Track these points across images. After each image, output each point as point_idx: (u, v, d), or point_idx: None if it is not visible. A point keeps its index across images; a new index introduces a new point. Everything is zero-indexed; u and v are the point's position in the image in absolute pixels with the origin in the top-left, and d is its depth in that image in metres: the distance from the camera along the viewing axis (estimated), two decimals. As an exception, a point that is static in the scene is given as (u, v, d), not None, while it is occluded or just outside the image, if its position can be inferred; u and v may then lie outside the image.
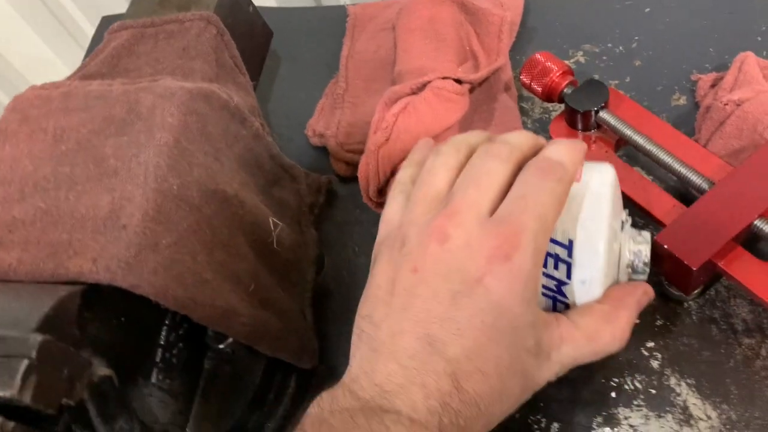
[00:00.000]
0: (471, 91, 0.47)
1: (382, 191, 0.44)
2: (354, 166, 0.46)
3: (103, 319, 0.31)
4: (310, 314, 0.41)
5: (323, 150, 0.51)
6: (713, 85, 0.43)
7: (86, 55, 0.60)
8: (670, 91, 0.46)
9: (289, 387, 0.40)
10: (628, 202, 0.37)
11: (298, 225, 0.44)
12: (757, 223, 0.34)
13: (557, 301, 0.32)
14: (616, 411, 0.36)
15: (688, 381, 0.36)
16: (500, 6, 0.52)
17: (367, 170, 0.43)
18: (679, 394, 0.35)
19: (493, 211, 0.29)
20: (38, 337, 0.25)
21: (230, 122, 0.38)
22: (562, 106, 0.43)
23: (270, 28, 0.53)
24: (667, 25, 0.49)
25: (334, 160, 0.50)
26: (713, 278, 0.37)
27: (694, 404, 0.35)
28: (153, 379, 0.35)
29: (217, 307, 0.33)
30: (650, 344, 0.37)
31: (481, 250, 0.28)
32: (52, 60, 0.98)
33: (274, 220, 0.39)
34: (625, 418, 0.35)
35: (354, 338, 0.30)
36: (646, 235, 0.33)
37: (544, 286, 0.32)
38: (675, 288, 0.37)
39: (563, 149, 0.30)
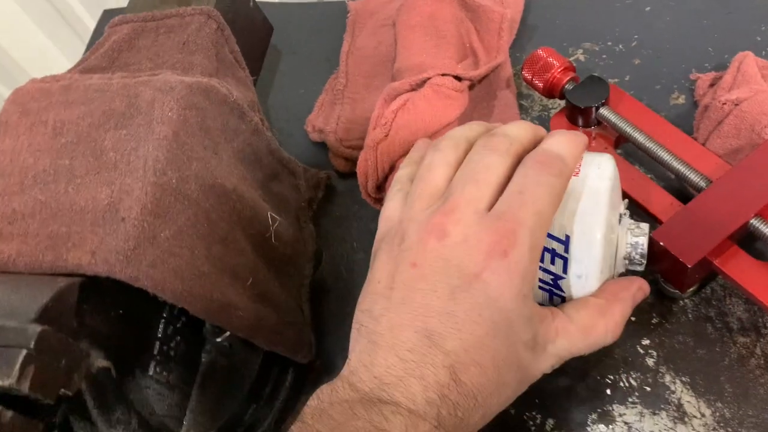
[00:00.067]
0: (470, 88, 0.47)
1: (381, 187, 0.44)
2: (353, 161, 0.47)
3: (101, 311, 0.31)
4: (307, 309, 0.42)
5: (322, 145, 0.51)
6: (712, 85, 0.43)
7: (87, 49, 0.60)
8: (669, 89, 0.46)
9: (286, 381, 0.40)
10: (627, 199, 0.37)
11: (296, 220, 0.44)
12: (753, 222, 0.34)
13: (553, 294, 0.32)
14: (610, 408, 0.36)
15: (683, 379, 0.36)
16: (501, 3, 0.52)
17: (365, 166, 0.43)
18: (673, 392, 0.36)
19: (492, 204, 0.29)
20: (37, 328, 0.25)
21: (229, 117, 0.38)
22: (561, 103, 0.43)
23: (270, 23, 0.53)
24: (667, 24, 0.49)
25: (333, 156, 0.50)
26: (709, 276, 0.37)
27: (688, 402, 0.35)
28: (150, 372, 0.35)
29: (214, 300, 0.33)
30: (646, 342, 0.37)
31: (479, 246, 0.28)
32: (54, 53, 0.98)
33: (273, 214, 0.39)
34: (620, 415, 0.36)
35: (353, 332, 0.30)
36: (645, 226, 0.33)
37: (540, 280, 0.32)
38: (671, 285, 0.37)
39: (563, 142, 0.31)
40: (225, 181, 0.36)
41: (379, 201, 0.45)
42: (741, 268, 0.34)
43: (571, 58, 0.50)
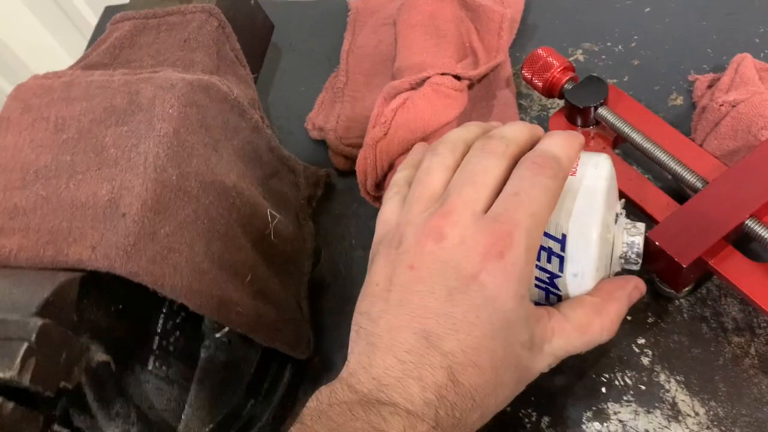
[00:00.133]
0: (470, 87, 0.48)
1: (380, 185, 0.45)
2: (352, 160, 0.47)
3: (101, 306, 0.31)
4: (306, 306, 0.42)
5: (322, 143, 0.51)
6: (710, 86, 0.43)
7: (89, 45, 0.60)
8: (668, 91, 0.46)
9: (284, 377, 0.40)
10: (624, 199, 0.37)
11: (295, 217, 0.44)
12: (748, 222, 0.34)
13: (550, 293, 0.33)
14: (605, 406, 0.36)
15: (678, 378, 0.36)
16: (501, 3, 0.52)
17: (365, 164, 0.44)
18: (668, 391, 0.36)
19: (489, 206, 0.29)
20: (38, 321, 0.25)
21: (230, 114, 0.38)
22: (561, 103, 0.44)
23: (271, 21, 0.53)
24: (666, 26, 0.49)
25: (333, 154, 0.50)
26: (704, 276, 0.37)
27: (682, 400, 0.35)
28: (150, 366, 0.35)
29: (213, 296, 0.33)
30: (641, 341, 0.38)
31: (475, 248, 0.28)
32: (56, 49, 0.98)
33: (272, 212, 0.39)
34: (615, 413, 0.36)
35: (352, 334, 0.30)
36: (641, 226, 0.34)
37: (537, 279, 0.32)
38: (666, 285, 0.37)
39: (559, 143, 0.31)
40: (225, 178, 0.36)
41: (378, 199, 0.45)
42: (736, 269, 0.34)
43: (571, 58, 0.50)
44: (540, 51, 0.43)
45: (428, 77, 0.45)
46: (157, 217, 0.31)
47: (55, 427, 0.28)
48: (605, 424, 0.36)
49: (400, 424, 0.26)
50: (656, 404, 0.36)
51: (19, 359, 0.24)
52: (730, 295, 0.37)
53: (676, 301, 0.38)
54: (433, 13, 0.50)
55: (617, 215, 0.34)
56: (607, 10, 0.52)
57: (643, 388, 0.36)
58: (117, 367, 0.31)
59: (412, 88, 0.45)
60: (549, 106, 0.48)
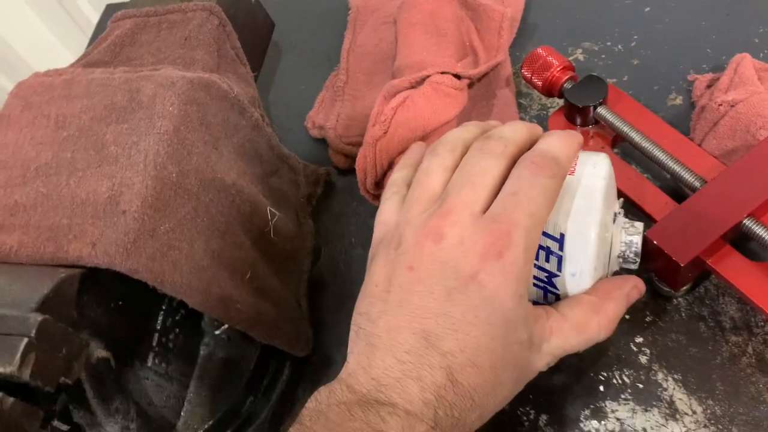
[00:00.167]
0: (470, 86, 0.48)
1: (379, 184, 0.45)
2: (352, 158, 0.47)
3: (101, 303, 0.31)
4: (305, 303, 0.42)
5: (322, 142, 0.51)
6: (709, 86, 0.43)
7: (90, 43, 0.60)
8: (667, 90, 0.46)
9: (283, 374, 0.40)
10: (623, 198, 0.37)
11: (295, 215, 0.44)
12: (746, 222, 0.34)
13: (548, 292, 0.33)
14: (603, 404, 0.36)
15: (675, 376, 0.36)
16: (501, 2, 0.52)
17: (364, 163, 0.44)
18: (665, 389, 0.36)
19: (488, 206, 0.30)
20: (38, 317, 0.25)
21: (230, 112, 0.38)
22: (560, 102, 0.44)
23: (272, 19, 0.53)
24: (666, 25, 0.49)
25: (333, 152, 0.50)
26: (702, 275, 0.38)
27: (680, 399, 0.36)
28: (149, 363, 0.35)
29: (212, 293, 0.33)
30: (639, 339, 0.38)
31: (474, 248, 0.28)
32: (57, 47, 0.98)
33: (272, 209, 0.40)
34: (612, 411, 0.36)
35: (351, 334, 0.30)
36: (639, 225, 0.34)
37: (535, 278, 0.32)
38: (664, 284, 0.37)
39: (558, 143, 0.31)
40: (225, 175, 0.36)
41: (378, 197, 0.45)
42: (733, 268, 0.34)
43: (571, 58, 0.50)
44: (540, 50, 0.43)
45: (428, 76, 0.45)
46: (157, 215, 0.32)
47: (55, 422, 0.29)
48: (603, 422, 0.36)
49: (398, 425, 0.26)
50: (654, 402, 0.36)
51: (19, 354, 0.24)
52: (728, 294, 0.38)
53: (674, 300, 0.38)
54: (433, 12, 0.50)
55: (615, 214, 0.34)
56: (607, 9, 0.52)
57: (641, 386, 0.36)
58: (117, 364, 0.31)
59: (412, 87, 0.45)
60: (549, 105, 0.48)
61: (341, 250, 0.47)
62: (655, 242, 0.34)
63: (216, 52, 0.41)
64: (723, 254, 0.35)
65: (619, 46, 0.49)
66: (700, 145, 0.40)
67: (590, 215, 0.31)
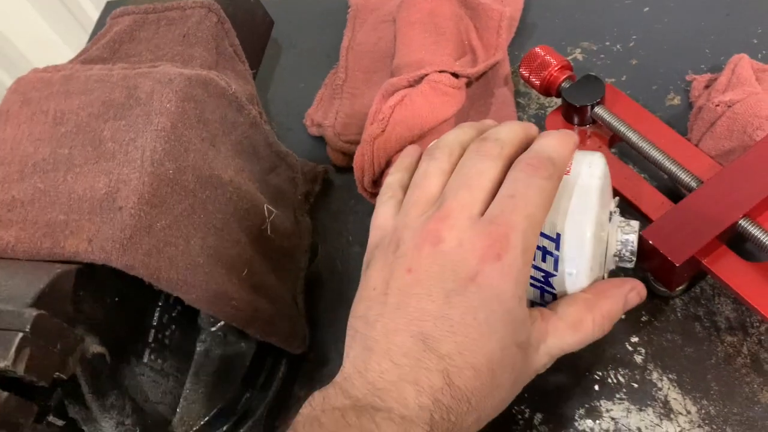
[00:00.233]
0: (468, 85, 0.48)
1: (377, 182, 0.45)
2: (350, 156, 0.47)
3: (97, 298, 0.32)
4: (301, 301, 0.42)
5: (321, 140, 0.51)
6: (707, 86, 0.44)
7: (90, 39, 0.61)
8: (665, 90, 0.46)
9: (280, 371, 0.40)
10: (619, 198, 0.37)
11: (293, 213, 0.44)
12: (742, 222, 0.34)
13: (545, 291, 0.33)
14: (598, 403, 0.36)
15: (670, 376, 0.36)
16: (500, 1, 0.52)
17: (362, 161, 0.44)
18: (660, 389, 0.36)
19: (485, 208, 0.30)
20: (33, 312, 0.25)
21: (228, 109, 0.38)
22: (558, 102, 0.44)
23: (271, 17, 0.54)
24: (665, 25, 0.49)
25: (331, 150, 0.50)
26: (698, 275, 0.38)
27: (674, 399, 0.36)
28: (145, 359, 0.35)
29: (209, 290, 0.33)
30: (634, 339, 0.38)
31: (473, 250, 0.28)
32: (57, 43, 0.98)
33: (269, 207, 0.40)
34: (607, 411, 0.36)
35: (348, 338, 0.30)
36: (635, 224, 0.34)
37: (532, 277, 0.32)
38: (660, 284, 0.37)
39: (554, 143, 0.31)
40: (222, 172, 0.36)
41: (375, 195, 0.45)
42: (728, 268, 0.34)
43: (570, 57, 0.50)
44: (538, 49, 0.43)
45: (426, 74, 0.45)
46: (153, 211, 0.32)
47: (51, 417, 0.29)
48: (598, 421, 0.36)
49: (393, 430, 0.26)
50: (648, 402, 0.36)
51: (14, 349, 0.24)
52: (723, 294, 0.38)
53: (670, 300, 0.38)
54: (432, 11, 0.50)
55: (611, 213, 0.34)
56: (606, 9, 0.52)
57: (636, 386, 0.36)
58: (112, 359, 0.31)
59: (411, 86, 0.45)
60: (547, 104, 0.48)
61: (338, 247, 0.47)
62: (650, 242, 0.34)
63: (214, 50, 0.41)
64: (718, 254, 0.35)
65: (618, 46, 0.49)
66: (697, 146, 0.40)
67: (586, 215, 0.31)
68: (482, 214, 0.29)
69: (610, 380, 0.37)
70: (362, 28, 0.56)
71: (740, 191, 0.35)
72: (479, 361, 0.28)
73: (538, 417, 0.37)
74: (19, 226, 0.32)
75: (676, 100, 0.46)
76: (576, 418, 0.36)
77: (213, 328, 0.39)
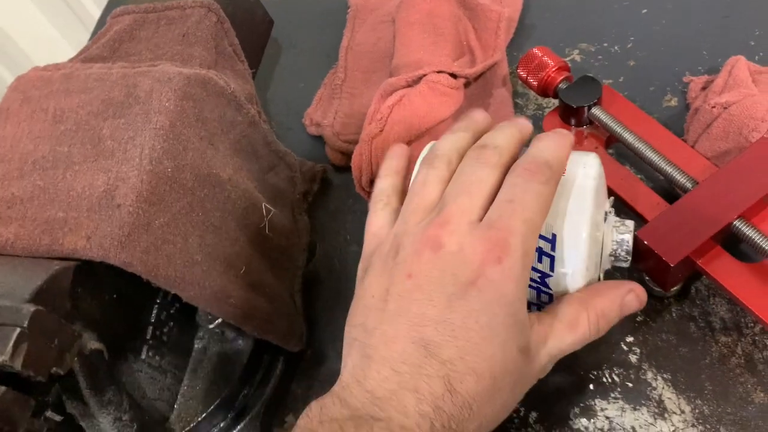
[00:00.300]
0: (466, 85, 0.48)
1: (375, 181, 0.45)
2: (349, 156, 0.47)
3: (95, 295, 0.32)
4: (299, 299, 0.42)
5: (320, 139, 0.51)
6: (704, 88, 0.44)
7: (91, 37, 0.61)
8: (663, 92, 0.46)
9: (277, 368, 0.41)
10: (615, 198, 0.37)
11: (291, 212, 0.44)
12: (736, 223, 0.34)
13: (541, 291, 0.33)
14: (593, 402, 0.37)
15: (665, 376, 0.36)
16: (499, 2, 0.52)
17: (360, 160, 0.44)
18: (655, 388, 0.36)
19: (484, 214, 0.30)
20: (31, 308, 0.26)
21: (226, 108, 0.38)
22: (556, 102, 0.44)
23: (271, 17, 0.54)
24: (662, 27, 0.50)
25: (330, 150, 0.50)
26: (693, 276, 0.38)
27: (669, 398, 0.36)
28: (143, 356, 0.36)
29: (206, 287, 0.34)
30: (629, 339, 0.38)
31: (473, 255, 0.28)
32: (59, 41, 0.99)
33: (267, 205, 0.40)
34: (602, 410, 0.36)
35: (345, 347, 0.30)
36: (630, 224, 0.34)
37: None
38: (655, 284, 0.37)
39: (550, 147, 0.31)
40: (220, 171, 0.37)
41: (373, 195, 0.45)
42: (723, 269, 0.34)
43: (567, 58, 0.50)
44: (535, 50, 0.43)
45: (425, 75, 0.45)
46: (151, 209, 0.32)
47: (48, 413, 0.29)
48: (592, 420, 0.36)
49: None
50: (643, 401, 0.36)
51: (11, 344, 0.24)
52: (718, 294, 0.38)
53: (665, 300, 0.38)
54: (431, 12, 0.50)
55: (606, 213, 0.34)
56: (604, 11, 0.52)
57: (631, 385, 0.37)
58: (110, 356, 0.32)
59: (409, 86, 0.46)
60: (545, 105, 0.49)
61: (336, 246, 0.47)
62: (645, 242, 0.34)
63: (213, 49, 0.41)
64: (713, 255, 0.35)
65: (616, 47, 0.50)
66: (693, 147, 0.40)
67: (581, 215, 0.31)
68: (481, 219, 0.30)
69: (605, 379, 0.37)
70: (361, 29, 0.56)
71: (735, 192, 0.35)
72: (481, 366, 0.28)
73: (533, 415, 0.37)
74: (18, 222, 0.32)
75: (673, 102, 0.46)
76: (571, 416, 0.36)
77: (211, 326, 0.39)
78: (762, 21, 0.47)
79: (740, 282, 0.34)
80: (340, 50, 0.55)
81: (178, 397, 0.37)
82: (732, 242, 0.36)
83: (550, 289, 0.33)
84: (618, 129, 0.40)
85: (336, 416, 0.27)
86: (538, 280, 0.33)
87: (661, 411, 0.36)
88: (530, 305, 0.34)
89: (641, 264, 0.36)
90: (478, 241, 0.29)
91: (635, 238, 0.34)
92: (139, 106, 0.35)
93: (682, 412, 0.35)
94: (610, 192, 0.37)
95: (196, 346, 0.39)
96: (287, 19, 0.58)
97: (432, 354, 0.27)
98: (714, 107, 0.39)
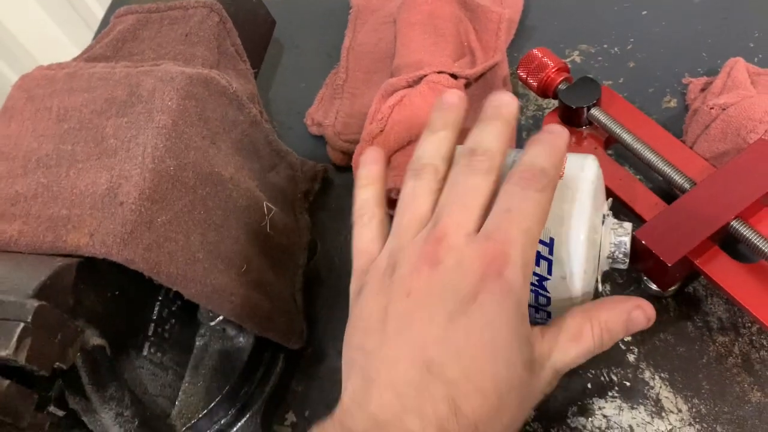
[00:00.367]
0: (467, 86, 0.48)
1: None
2: (350, 155, 0.48)
3: (97, 292, 0.32)
4: (300, 297, 0.43)
5: (321, 139, 0.52)
6: (703, 89, 0.44)
7: (95, 37, 0.61)
8: (662, 93, 0.47)
9: (277, 366, 0.41)
10: (614, 198, 0.37)
11: (292, 211, 0.45)
12: (734, 223, 0.35)
13: (539, 294, 0.33)
14: (591, 401, 0.37)
15: (662, 375, 0.37)
16: (500, 4, 0.53)
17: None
18: (652, 387, 0.36)
19: (481, 224, 0.29)
20: (34, 303, 0.26)
21: (228, 108, 0.39)
22: (555, 103, 0.44)
23: (273, 17, 0.54)
24: (662, 28, 0.50)
25: (331, 149, 0.51)
26: (691, 276, 0.38)
27: (666, 397, 0.36)
28: (145, 352, 0.36)
29: (207, 284, 0.34)
30: (627, 338, 0.38)
31: (473, 269, 0.28)
32: (63, 41, 0.99)
33: (268, 204, 0.40)
34: (599, 409, 0.37)
35: (344, 370, 0.29)
36: (628, 226, 0.34)
37: None
38: (653, 284, 0.38)
39: (545, 153, 0.30)
40: (222, 170, 0.37)
41: (374, 194, 0.46)
42: (720, 269, 0.35)
43: (568, 60, 0.50)
44: (535, 51, 0.44)
45: (425, 75, 0.45)
46: (154, 207, 0.32)
47: (51, 408, 0.29)
48: (590, 419, 0.36)
49: None
50: (640, 400, 0.36)
51: (15, 338, 0.25)
52: (716, 295, 0.38)
53: (663, 300, 0.39)
54: (432, 13, 0.50)
55: (604, 216, 0.34)
56: (604, 12, 0.52)
57: (628, 384, 0.37)
58: (112, 352, 0.32)
59: (410, 86, 0.46)
60: (545, 105, 0.49)
61: (337, 245, 0.47)
62: (643, 242, 0.34)
63: (216, 49, 0.42)
64: (711, 255, 0.35)
65: (616, 49, 0.50)
66: (692, 148, 0.41)
67: (579, 219, 0.31)
68: (478, 230, 0.29)
69: (602, 378, 0.37)
70: (363, 29, 0.56)
71: (733, 193, 0.35)
72: (486, 385, 0.27)
73: (531, 414, 0.37)
74: (22, 220, 0.32)
75: (673, 103, 0.46)
76: (569, 415, 0.37)
77: (212, 323, 0.39)
78: (761, 23, 0.48)
79: (737, 282, 0.34)
80: (342, 50, 0.55)
81: (180, 393, 0.38)
82: (729, 242, 0.36)
83: (548, 292, 0.33)
84: (617, 130, 0.40)
85: None
86: (536, 283, 0.32)
87: (658, 410, 0.36)
88: (528, 307, 0.34)
89: (639, 264, 0.36)
90: (477, 254, 0.28)
91: (633, 238, 0.34)
92: (141, 105, 0.35)
93: (680, 411, 0.35)
94: (609, 192, 0.38)
95: (197, 343, 0.40)
96: (289, 20, 0.58)
97: (435, 375, 0.26)
98: (712, 108, 0.39)
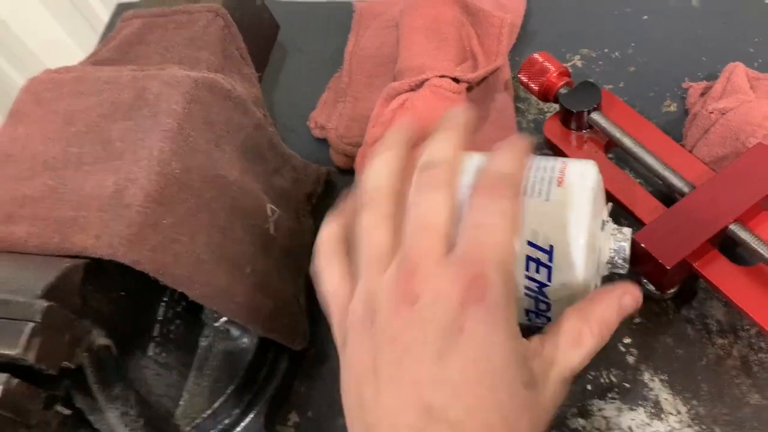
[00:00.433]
0: (469, 90, 0.49)
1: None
2: (353, 158, 0.48)
3: (104, 292, 0.33)
4: (303, 299, 0.43)
5: (324, 142, 0.52)
6: (703, 94, 0.44)
7: (100, 41, 0.62)
8: (662, 97, 0.47)
9: (280, 366, 0.41)
10: (614, 202, 0.38)
11: (295, 213, 0.45)
12: (732, 227, 0.35)
13: (539, 301, 0.33)
14: (590, 403, 0.37)
15: (661, 377, 0.37)
16: (501, 8, 0.53)
17: (363, 163, 0.45)
18: (651, 389, 0.37)
19: (449, 241, 0.28)
20: (43, 303, 0.26)
21: (233, 111, 0.39)
22: (556, 107, 0.45)
23: (277, 21, 0.55)
24: (663, 33, 0.50)
25: (334, 152, 0.51)
26: (690, 279, 0.38)
27: (665, 399, 0.36)
28: (150, 352, 0.36)
29: (212, 286, 0.34)
30: (627, 340, 0.38)
31: (452, 299, 0.26)
32: (68, 44, 1.00)
33: (272, 207, 0.41)
34: (599, 410, 0.37)
35: (346, 415, 0.28)
36: (627, 231, 0.34)
37: (526, 288, 0.32)
38: (653, 286, 0.38)
39: (507, 159, 0.29)
40: (227, 173, 0.37)
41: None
42: (719, 272, 0.35)
43: (569, 64, 0.51)
44: (536, 56, 0.44)
45: (427, 79, 0.46)
46: (159, 209, 0.33)
47: (58, 407, 0.30)
48: (589, 420, 0.37)
49: None
50: (640, 402, 0.37)
51: (25, 338, 0.25)
52: (715, 297, 0.38)
53: (662, 303, 0.39)
54: (435, 17, 0.51)
55: (604, 222, 0.34)
56: (605, 17, 0.53)
57: (628, 386, 0.37)
58: (118, 352, 0.32)
59: (412, 90, 0.46)
60: (546, 109, 0.49)
61: (340, 247, 0.48)
62: (642, 245, 0.35)
63: (221, 53, 0.42)
64: (710, 258, 0.35)
65: (617, 53, 0.50)
66: (691, 152, 0.41)
67: (579, 226, 0.31)
68: (449, 248, 0.27)
69: (602, 380, 0.38)
70: (366, 33, 0.57)
71: (731, 196, 0.35)
72: (492, 417, 0.25)
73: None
74: (29, 221, 0.33)
75: (673, 107, 0.46)
76: (568, 416, 0.37)
77: (216, 324, 0.40)
78: (761, 28, 0.48)
79: (736, 285, 0.35)
80: (345, 55, 0.56)
81: (184, 393, 0.38)
82: (728, 246, 0.36)
83: (548, 298, 0.33)
84: (617, 134, 0.41)
85: None
86: (536, 289, 0.32)
87: (657, 411, 0.36)
88: (528, 312, 0.34)
89: (639, 267, 0.36)
90: (453, 281, 0.26)
91: (632, 241, 0.35)
92: (147, 108, 0.35)
93: (679, 412, 0.36)
94: (609, 196, 0.38)
95: (201, 343, 0.40)
96: (293, 24, 0.59)
97: (438, 419, 0.25)
98: (712, 113, 0.40)
